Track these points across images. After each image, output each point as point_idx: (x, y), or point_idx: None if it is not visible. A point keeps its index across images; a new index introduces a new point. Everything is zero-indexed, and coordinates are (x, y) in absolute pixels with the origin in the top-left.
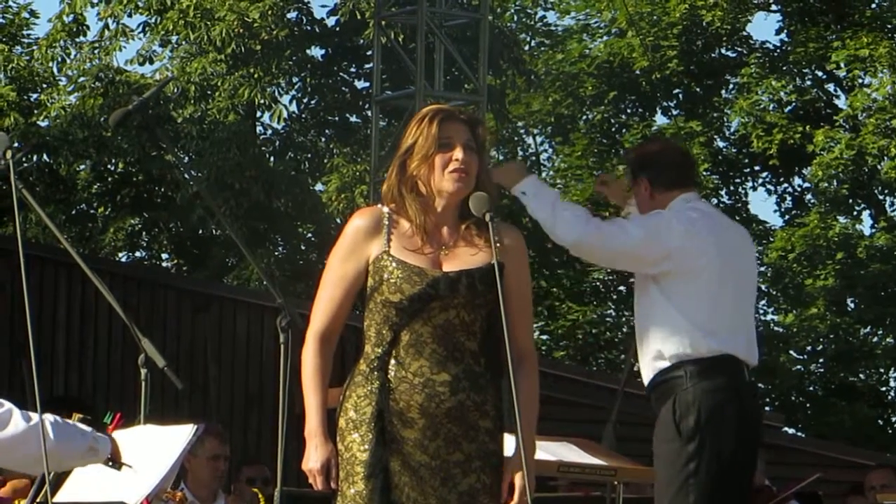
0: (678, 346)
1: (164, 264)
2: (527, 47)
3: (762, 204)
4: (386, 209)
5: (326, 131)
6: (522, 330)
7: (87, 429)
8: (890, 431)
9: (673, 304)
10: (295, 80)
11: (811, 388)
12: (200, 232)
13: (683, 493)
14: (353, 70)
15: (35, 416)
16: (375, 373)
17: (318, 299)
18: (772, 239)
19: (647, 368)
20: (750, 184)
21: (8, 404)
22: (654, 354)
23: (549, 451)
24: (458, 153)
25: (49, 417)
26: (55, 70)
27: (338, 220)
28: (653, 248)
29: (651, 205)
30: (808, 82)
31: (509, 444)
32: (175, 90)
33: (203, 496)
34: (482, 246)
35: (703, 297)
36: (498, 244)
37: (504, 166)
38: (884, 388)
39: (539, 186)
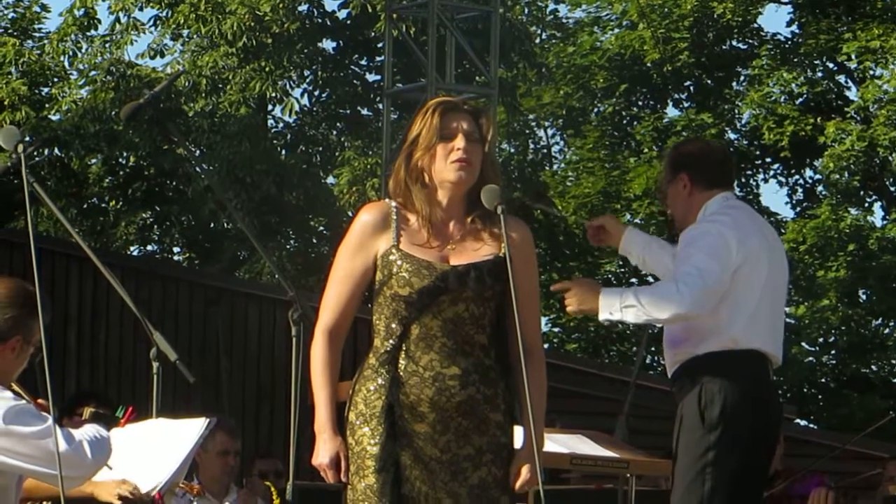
0: (708, 338)
1: (175, 258)
2: (538, 40)
3: (773, 196)
4: (393, 203)
5: (338, 124)
6: (529, 322)
7: (106, 434)
8: None
9: (724, 302)
10: (306, 73)
11: (823, 380)
12: (212, 225)
13: (700, 479)
14: (364, 63)
15: (76, 434)
16: (385, 366)
17: (327, 294)
18: (783, 231)
19: (673, 357)
20: (761, 176)
21: (49, 421)
22: (682, 345)
23: (562, 443)
24: (459, 142)
25: (86, 435)
26: (66, 64)
27: (349, 213)
28: (727, 273)
29: (688, 202)
30: (820, 74)
31: (518, 436)
32: (186, 84)
33: (214, 490)
34: (488, 239)
35: (740, 295)
36: (507, 237)
37: (574, 294)
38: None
39: (613, 298)
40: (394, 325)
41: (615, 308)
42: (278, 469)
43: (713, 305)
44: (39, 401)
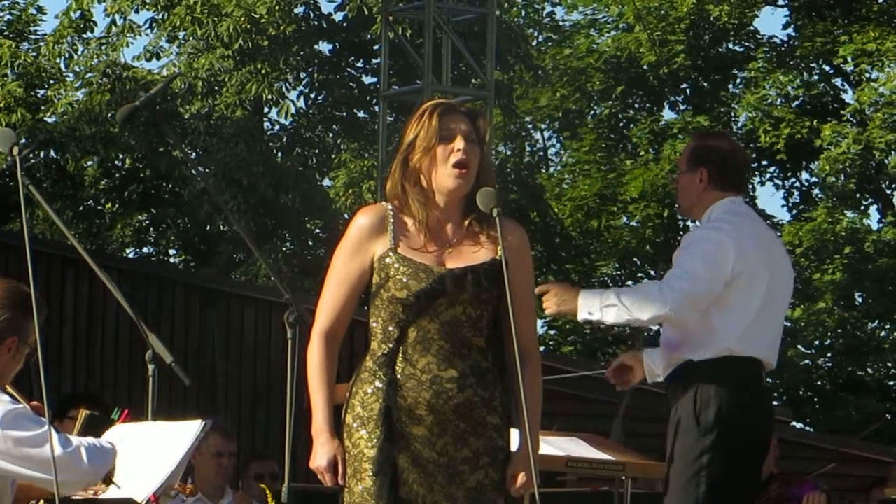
0: (705, 345)
1: (171, 260)
2: (534, 42)
3: (770, 198)
4: (389, 206)
5: (334, 127)
6: (525, 325)
7: (110, 445)
8: None
9: (719, 310)
10: (302, 75)
11: (819, 383)
12: (208, 228)
13: (694, 482)
14: (360, 65)
15: (74, 440)
16: (383, 369)
17: (323, 297)
18: (779, 234)
19: (668, 360)
20: (758, 178)
21: (45, 426)
22: (678, 350)
23: (557, 446)
24: (459, 143)
25: (84, 441)
26: (62, 66)
27: (346, 216)
28: (719, 281)
29: (699, 196)
30: (816, 77)
31: (514, 438)
32: (182, 86)
33: (209, 493)
34: (485, 242)
35: (739, 305)
36: (503, 240)
37: (553, 295)
38: (892, 383)
39: (593, 298)
40: (391, 328)
41: (595, 308)
42: (274, 471)
43: (698, 312)
44: (33, 402)
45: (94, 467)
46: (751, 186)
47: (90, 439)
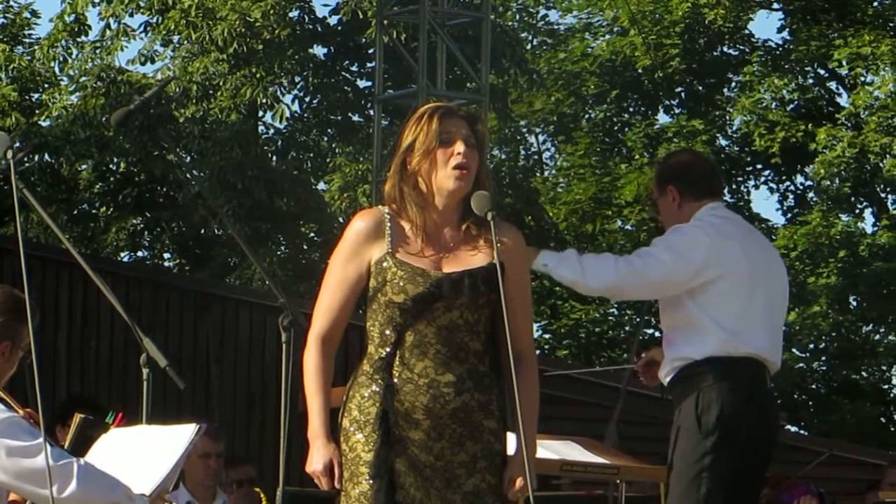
0: (706, 345)
1: (166, 264)
2: (529, 46)
3: (764, 202)
4: (386, 210)
5: (329, 130)
6: (522, 329)
7: (120, 483)
8: (893, 429)
9: (703, 309)
10: (297, 79)
11: (814, 386)
12: (203, 232)
13: (696, 484)
14: (355, 69)
15: (69, 457)
16: (380, 373)
17: (320, 302)
18: (774, 237)
19: (671, 363)
20: (752, 182)
21: (40, 440)
22: (681, 353)
23: (552, 449)
24: (459, 147)
25: (81, 461)
26: (57, 70)
27: (340, 220)
28: (682, 270)
29: (678, 215)
30: (811, 80)
31: (511, 442)
32: (177, 90)
33: (201, 496)
34: (482, 246)
35: (733, 299)
36: (498, 244)
37: None
38: (886, 386)
39: (555, 254)
40: (388, 332)
41: (552, 260)
42: (252, 476)
43: (651, 293)
44: (27, 409)
45: (85, 488)
46: (745, 190)
47: (92, 464)
